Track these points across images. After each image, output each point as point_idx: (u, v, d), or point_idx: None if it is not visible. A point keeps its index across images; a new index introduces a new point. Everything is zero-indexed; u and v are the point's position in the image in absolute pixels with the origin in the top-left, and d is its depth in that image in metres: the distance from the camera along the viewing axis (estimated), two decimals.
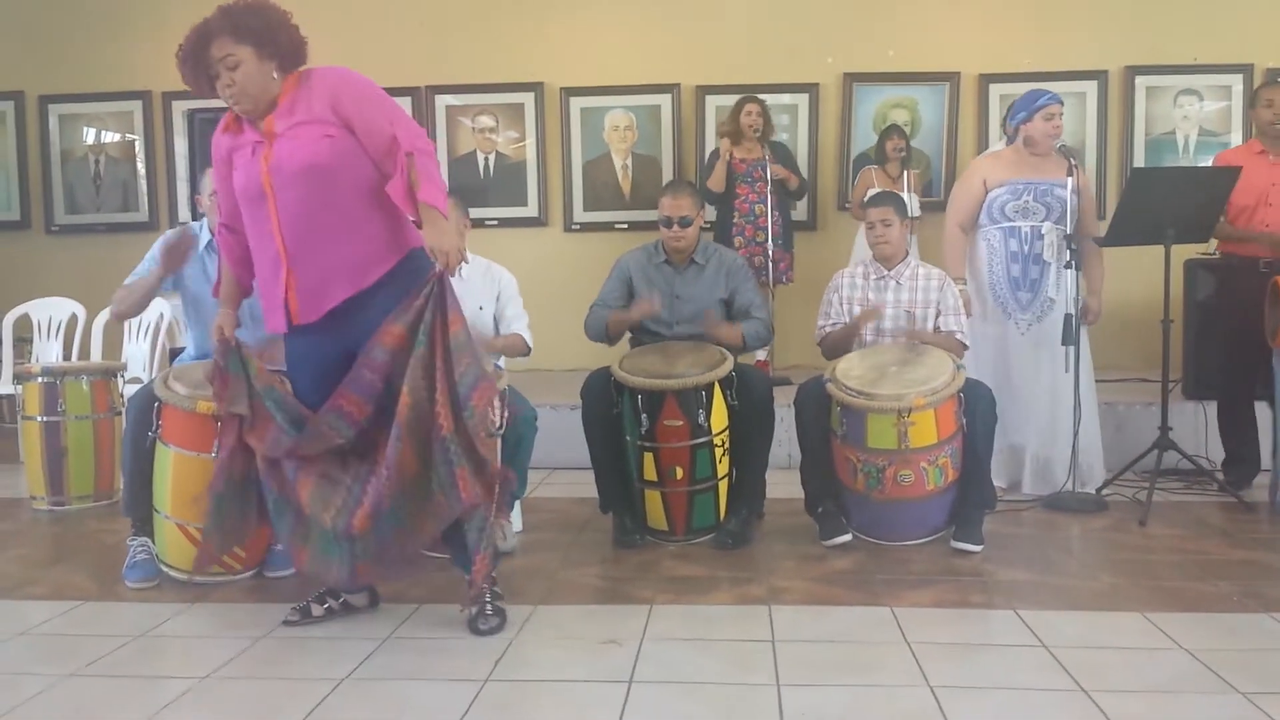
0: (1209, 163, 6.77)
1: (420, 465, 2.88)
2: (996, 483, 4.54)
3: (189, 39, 2.91)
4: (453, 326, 2.86)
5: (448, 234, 2.81)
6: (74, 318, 5.86)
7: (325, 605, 3.15)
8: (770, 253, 6.01)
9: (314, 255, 2.92)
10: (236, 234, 3.10)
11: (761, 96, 6.35)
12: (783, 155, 6.33)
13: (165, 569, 3.53)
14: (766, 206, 6.07)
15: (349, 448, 2.98)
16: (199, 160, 5.25)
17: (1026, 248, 4.54)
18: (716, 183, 6.06)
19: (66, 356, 5.81)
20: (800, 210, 7.10)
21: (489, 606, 3.04)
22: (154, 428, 3.46)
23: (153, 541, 3.55)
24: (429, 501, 2.89)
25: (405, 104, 7.13)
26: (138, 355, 5.57)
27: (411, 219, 2.90)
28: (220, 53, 2.86)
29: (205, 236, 3.78)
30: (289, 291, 2.94)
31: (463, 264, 4.07)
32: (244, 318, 3.52)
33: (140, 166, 7.49)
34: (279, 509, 3.07)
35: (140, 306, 3.81)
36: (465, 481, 2.85)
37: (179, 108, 7.29)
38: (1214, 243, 5.06)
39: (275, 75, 2.92)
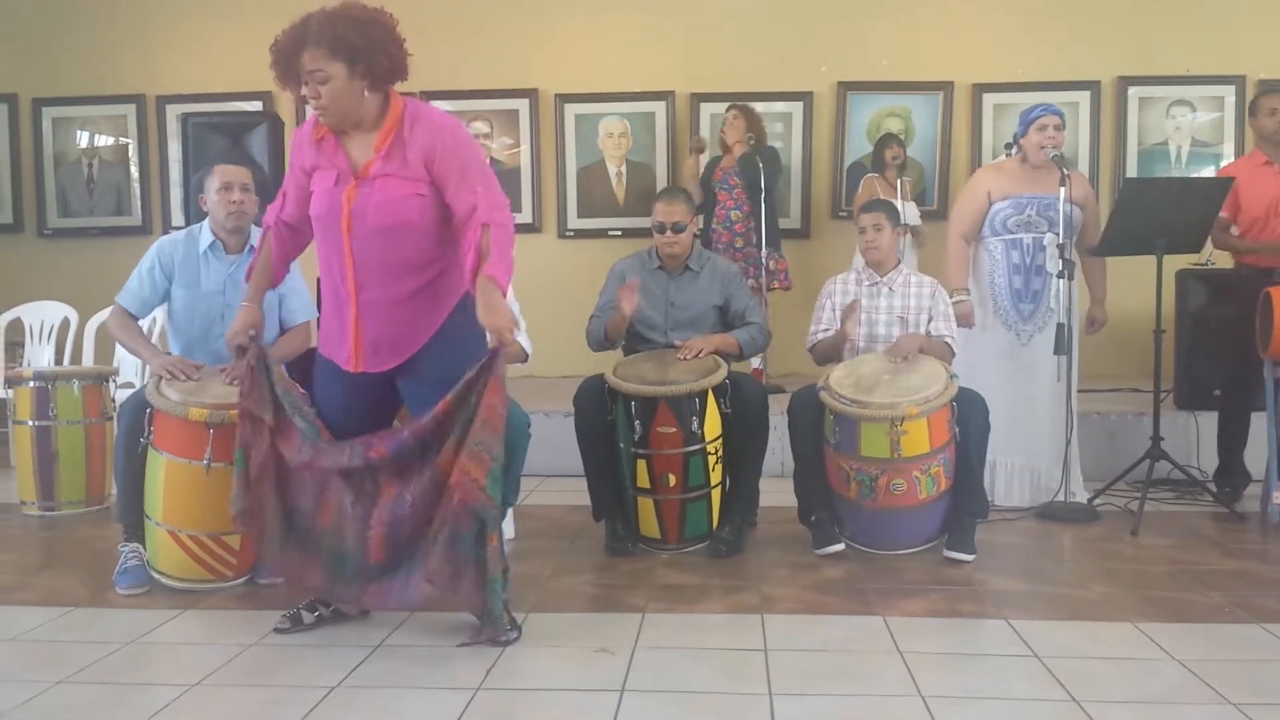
0: (1201, 173, 6.84)
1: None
2: (1010, 501, 4.55)
3: (285, 39, 2.80)
4: (492, 396, 2.82)
5: (502, 312, 2.73)
6: (66, 322, 5.84)
7: (316, 613, 3.12)
8: (764, 259, 5.98)
9: (383, 306, 2.90)
10: (296, 233, 3.08)
11: (746, 104, 6.36)
12: (749, 167, 6.13)
13: (156, 575, 3.51)
14: (742, 213, 6.07)
15: (353, 476, 2.95)
16: (193, 163, 5.23)
17: (1029, 259, 4.54)
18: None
19: (58, 361, 5.78)
20: (794, 218, 7.12)
21: (507, 621, 3.01)
22: (145, 434, 3.45)
23: (144, 548, 3.54)
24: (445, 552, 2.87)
25: None
26: (130, 360, 5.55)
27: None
28: (311, 64, 2.76)
29: (206, 239, 3.78)
30: (355, 340, 2.93)
31: None
32: (195, 339, 3.67)
33: (134, 170, 7.48)
34: (293, 521, 3.05)
35: (124, 347, 3.85)
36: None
37: (173, 111, 7.27)
38: (1207, 253, 5.08)
39: (366, 94, 2.84)
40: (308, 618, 3.11)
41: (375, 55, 2.80)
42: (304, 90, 2.82)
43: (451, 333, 2.96)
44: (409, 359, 2.96)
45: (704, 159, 6.44)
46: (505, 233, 2.82)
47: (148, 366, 3.69)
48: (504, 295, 2.77)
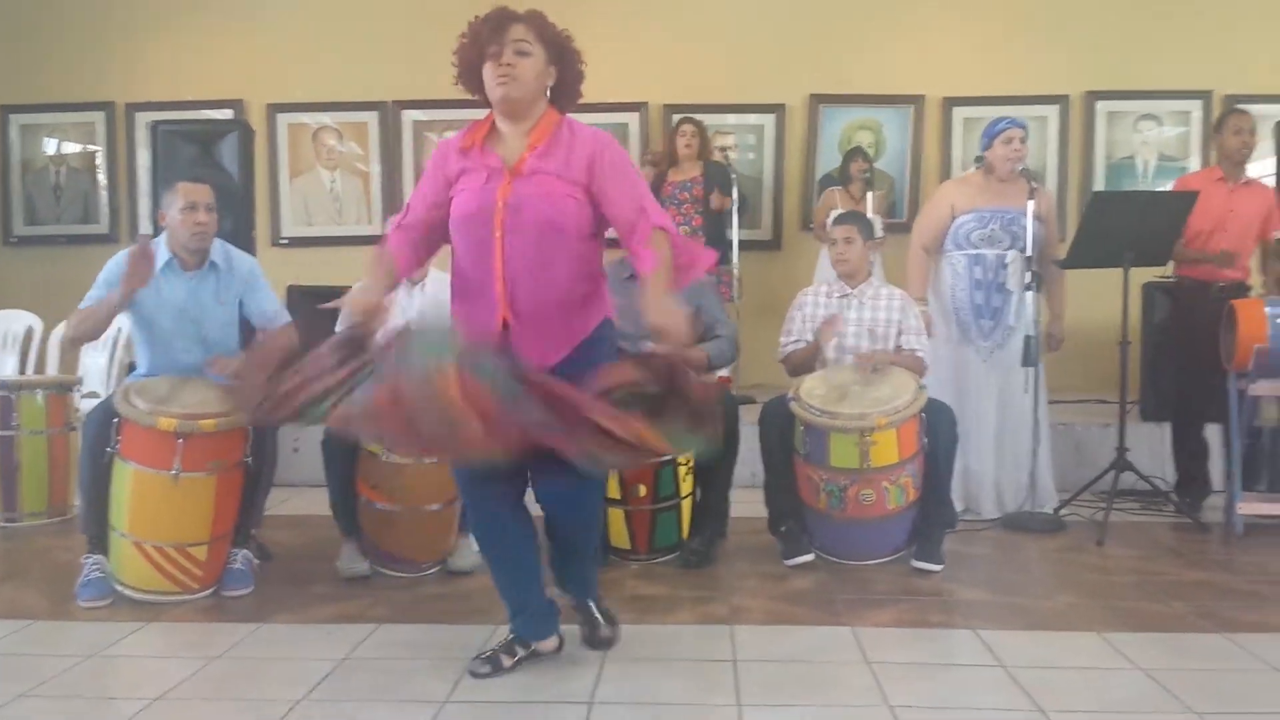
0: (1168, 187, 6.91)
1: None
2: (980, 514, 4.59)
3: (492, 14, 2.87)
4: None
5: (667, 311, 2.70)
6: (30, 330, 5.77)
7: (516, 657, 2.88)
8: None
9: (531, 310, 2.78)
10: (416, 238, 2.92)
11: (697, 119, 6.38)
12: (719, 175, 6.21)
13: (120, 588, 3.47)
14: (691, 228, 6.07)
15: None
16: (161, 173, 5.19)
17: (991, 275, 4.58)
18: None
19: (22, 370, 5.72)
20: (764, 229, 7.15)
21: (603, 621, 2.96)
22: (112, 443, 3.41)
23: (107, 559, 3.49)
24: None
25: (373, 119, 7.12)
26: (95, 369, 5.49)
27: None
28: (517, 35, 2.82)
29: (162, 257, 3.67)
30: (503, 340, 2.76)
31: (424, 280, 4.04)
32: (160, 353, 3.59)
33: (101, 178, 7.42)
34: None
35: (101, 329, 3.65)
36: None
37: (142, 119, 7.21)
38: (1172, 266, 5.14)
39: (547, 89, 2.90)
40: (506, 661, 2.86)
41: (568, 63, 2.94)
42: (492, 62, 2.84)
43: (586, 351, 2.85)
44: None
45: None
46: (678, 239, 2.82)
47: (113, 372, 3.62)
48: (674, 298, 2.74)
